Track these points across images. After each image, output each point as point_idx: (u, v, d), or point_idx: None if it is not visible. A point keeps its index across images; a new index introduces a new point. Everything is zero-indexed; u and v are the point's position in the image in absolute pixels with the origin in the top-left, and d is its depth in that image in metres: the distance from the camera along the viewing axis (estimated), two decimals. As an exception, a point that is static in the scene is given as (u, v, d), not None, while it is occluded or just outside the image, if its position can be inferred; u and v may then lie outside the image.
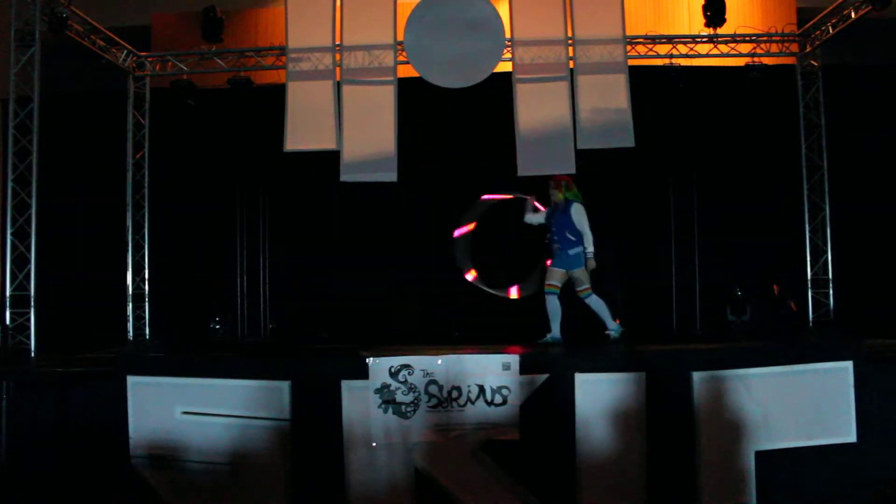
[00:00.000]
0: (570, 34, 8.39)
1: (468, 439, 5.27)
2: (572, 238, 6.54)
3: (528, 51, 8.34)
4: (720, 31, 9.05)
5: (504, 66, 8.44)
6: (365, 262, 9.80)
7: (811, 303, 9.25)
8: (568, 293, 9.71)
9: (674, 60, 9.20)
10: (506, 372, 5.30)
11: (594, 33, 8.38)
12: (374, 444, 5.25)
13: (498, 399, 5.27)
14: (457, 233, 7.21)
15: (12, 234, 7.56)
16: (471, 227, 7.19)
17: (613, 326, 6.64)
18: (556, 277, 6.61)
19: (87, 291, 9.64)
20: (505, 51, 8.39)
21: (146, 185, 9.67)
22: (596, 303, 6.60)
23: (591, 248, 6.53)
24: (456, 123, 9.56)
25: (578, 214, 6.55)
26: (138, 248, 9.66)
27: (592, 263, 6.57)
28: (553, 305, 6.61)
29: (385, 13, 8.29)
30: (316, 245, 9.89)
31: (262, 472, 5.29)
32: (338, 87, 8.33)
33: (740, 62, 9.28)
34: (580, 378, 5.30)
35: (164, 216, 9.83)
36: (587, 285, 6.58)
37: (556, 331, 6.60)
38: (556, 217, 6.65)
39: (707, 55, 9.25)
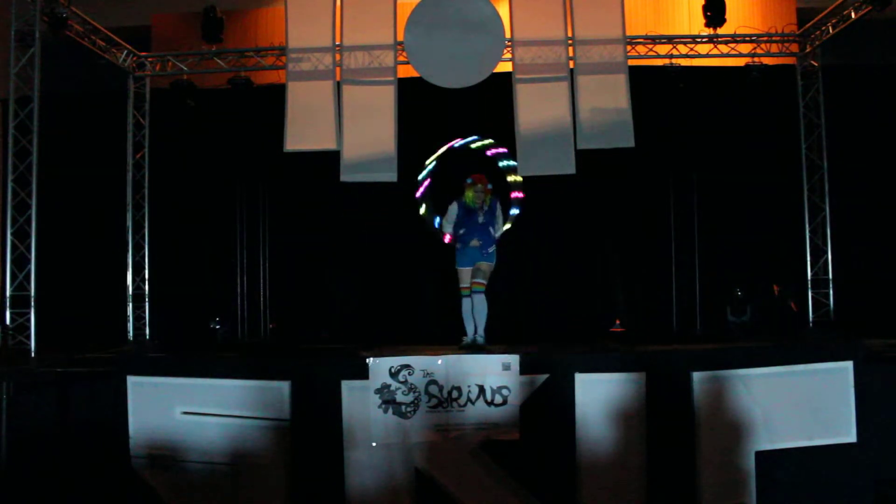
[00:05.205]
0: (570, 34, 8.39)
1: (468, 439, 5.27)
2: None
3: (528, 51, 8.34)
4: (720, 31, 9.06)
5: (504, 66, 8.44)
6: (365, 262, 9.81)
7: (811, 303, 9.25)
8: (568, 294, 9.79)
9: (674, 60, 9.21)
10: (506, 372, 5.30)
11: (594, 33, 8.37)
12: (374, 444, 5.26)
13: (498, 399, 5.27)
14: (417, 194, 6.99)
15: (12, 234, 7.57)
16: (426, 183, 6.96)
17: (481, 333, 6.41)
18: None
19: (87, 291, 9.64)
20: (505, 51, 8.39)
21: (146, 185, 9.68)
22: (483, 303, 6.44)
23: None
24: (456, 124, 9.56)
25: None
26: (138, 248, 9.66)
27: None
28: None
29: (385, 13, 8.28)
30: (316, 245, 9.89)
31: (262, 472, 5.29)
32: (338, 87, 8.33)
33: (740, 62, 9.28)
34: (580, 378, 5.30)
35: (164, 216, 9.84)
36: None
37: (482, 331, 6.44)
38: (483, 215, 6.46)
39: (707, 55, 9.26)
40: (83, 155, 9.91)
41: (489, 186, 6.51)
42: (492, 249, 6.43)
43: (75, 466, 5.80)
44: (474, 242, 6.39)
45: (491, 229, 6.48)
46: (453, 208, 6.52)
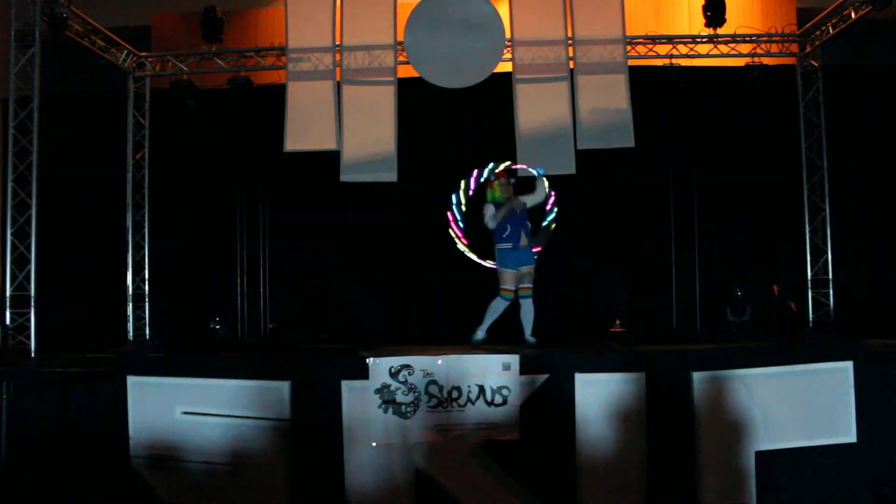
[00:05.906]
0: (570, 34, 8.39)
1: (468, 439, 5.26)
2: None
3: (528, 51, 8.35)
4: (720, 31, 9.06)
5: (504, 66, 8.44)
6: (365, 262, 9.80)
7: (811, 303, 9.25)
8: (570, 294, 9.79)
9: (674, 60, 9.20)
10: (506, 372, 5.30)
11: (594, 33, 8.39)
12: (374, 444, 5.26)
13: (498, 399, 5.27)
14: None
15: (12, 234, 7.57)
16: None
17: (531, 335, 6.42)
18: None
19: (87, 291, 9.64)
20: (505, 51, 8.40)
21: (146, 185, 9.69)
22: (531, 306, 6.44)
23: None
24: (456, 124, 9.56)
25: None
26: (138, 248, 9.66)
27: None
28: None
29: (385, 13, 8.30)
30: (316, 245, 9.89)
31: (262, 472, 5.29)
32: (338, 87, 8.34)
33: (740, 62, 9.29)
34: (580, 378, 5.29)
35: (164, 216, 9.84)
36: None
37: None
38: (520, 215, 6.42)
39: (707, 55, 9.26)
40: (83, 155, 9.90)
41: (511, 181, 6.46)
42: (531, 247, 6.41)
43: (75, 466, 5.80)
44: (524, 241, 6.32)
45: (528, 224, 6.40)
46: (491, 207, 6.35)
